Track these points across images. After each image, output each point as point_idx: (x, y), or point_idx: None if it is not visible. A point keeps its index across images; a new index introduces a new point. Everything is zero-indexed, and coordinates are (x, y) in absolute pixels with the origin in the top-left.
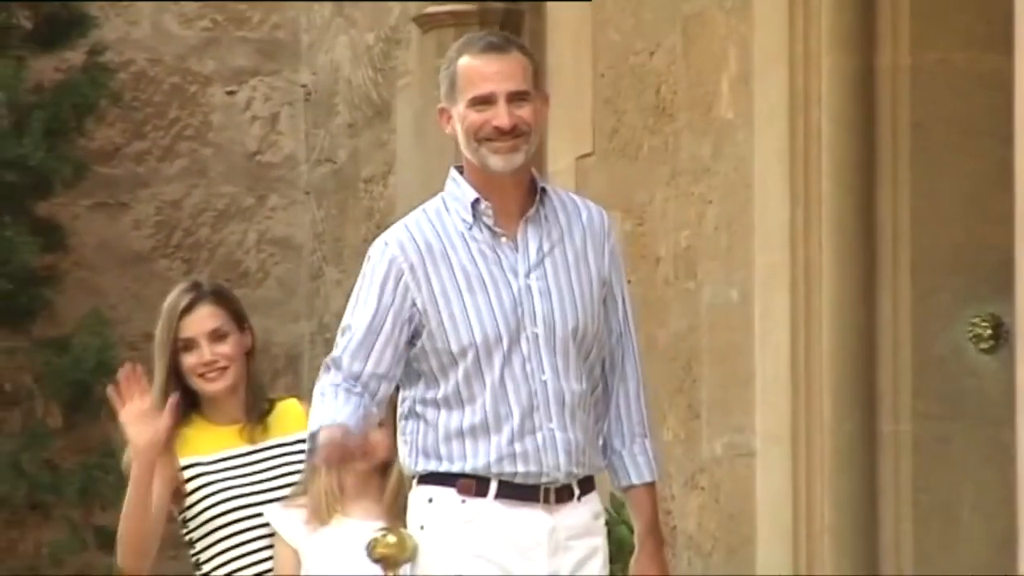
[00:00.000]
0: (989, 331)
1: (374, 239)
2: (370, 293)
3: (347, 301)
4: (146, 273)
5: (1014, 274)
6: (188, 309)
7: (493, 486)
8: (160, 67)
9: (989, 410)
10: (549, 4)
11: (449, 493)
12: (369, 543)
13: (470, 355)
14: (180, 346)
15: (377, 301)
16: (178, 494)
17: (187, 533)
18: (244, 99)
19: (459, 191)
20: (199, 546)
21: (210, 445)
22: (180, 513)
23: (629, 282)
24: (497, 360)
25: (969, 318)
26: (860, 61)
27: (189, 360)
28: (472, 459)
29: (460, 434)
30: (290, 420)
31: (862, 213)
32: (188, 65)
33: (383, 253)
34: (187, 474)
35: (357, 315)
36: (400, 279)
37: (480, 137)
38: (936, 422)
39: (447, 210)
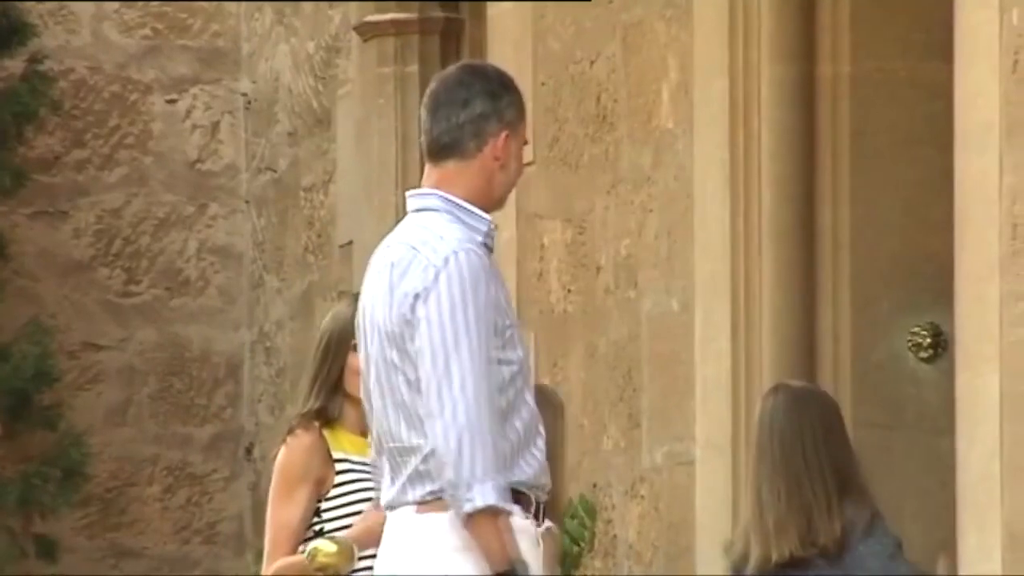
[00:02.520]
0: (928, 340)
1: (315, 248)
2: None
3: (287, 309)
4: (86, 282)
5: (953, 282)
6: None
7: (534, 500)
8: (100, 75)
9: (929, 419)
10: (489, 13)
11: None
12: (309, 552)
13: (525, 366)
14: (354, 344)
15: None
16: (322, 484)
17: (319, 523)
18: (184, 107)
19: (475, 216)
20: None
21: (352, 448)
22: (319, 502)
23: (569, 291)
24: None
25: (909, 327)
26: (800, 70)
27: (355, 362)
28: (525, 472)
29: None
30: None
31: (802, 222)
32: (128, 73)
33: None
34: (338, 467)
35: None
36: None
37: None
38: (876, 430)
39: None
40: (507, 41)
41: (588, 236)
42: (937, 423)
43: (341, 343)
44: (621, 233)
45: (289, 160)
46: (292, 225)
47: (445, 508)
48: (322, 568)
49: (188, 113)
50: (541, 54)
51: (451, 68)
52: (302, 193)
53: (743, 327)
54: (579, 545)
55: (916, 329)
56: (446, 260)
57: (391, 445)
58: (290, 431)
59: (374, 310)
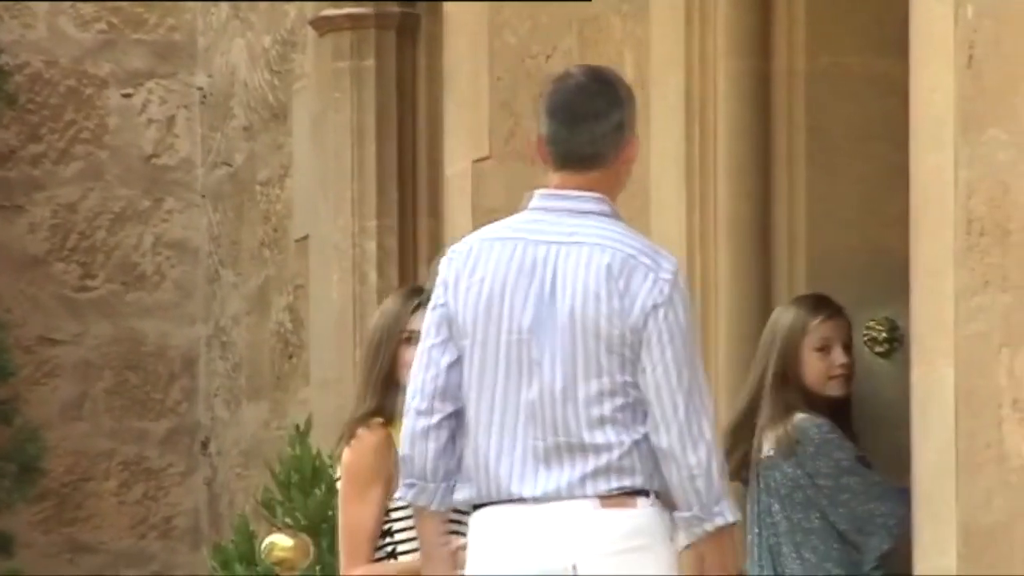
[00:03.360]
0: (884, 335)
1: (271, 242)
2: None
3: (243, 304)
4: (42, 276)
5: (909, 277)
6: (418, 307)
7: None
8: (56, 69)
9: (885, 413)
10: (446, 7)
11: None
12: (265, 546)
13: None
14: (404, 337)
15: None
16: (390, 483)
17: (388, 523)
18: (140, 102)
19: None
20: (399, 536)
21: None
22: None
23: None
24: None
25: (864, 322)
26: (756, 65)
27: (407, 355)
28: None
29: None
30: None
31: (758, 217)
32: (84, 67)
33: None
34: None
35: None
36: None
37: None
38: None
39: None
40: (463, 35)
41: None
42: (894, 417)
43: (391, 339)
44: None
45: (245, 154)
46: (248, 219)
47: (627, 504)
48: (279, 563)
49: (144, 107)
50: (497, 48)
51: (577, 76)
52: (258, 187)
53: (699, 323)
54: None
55: (872, 324)
56: (675, 276)
57: (559, 439)
58: (350, 434)
59: (554, 299)
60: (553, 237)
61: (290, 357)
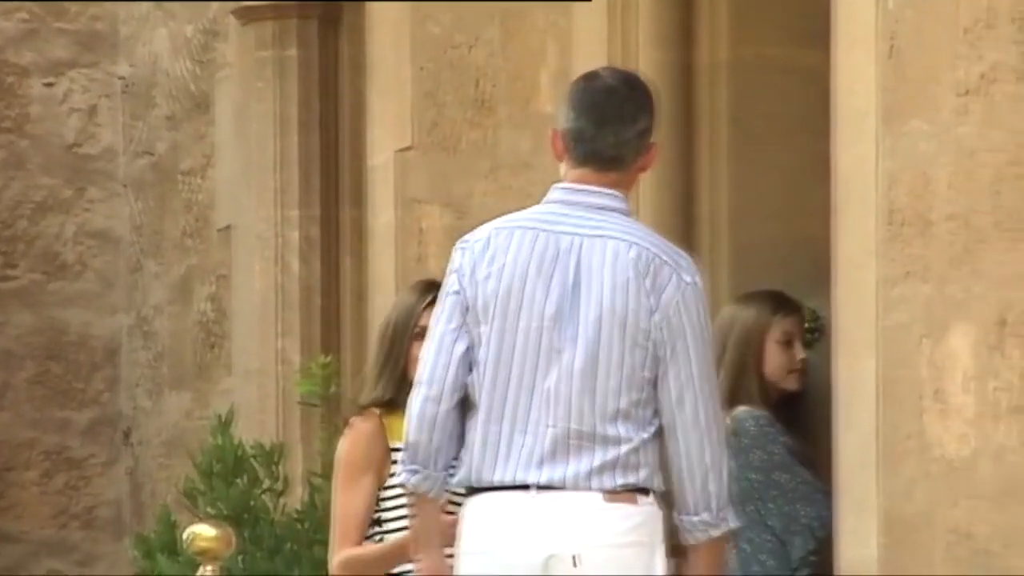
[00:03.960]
0: (807, 325)
1: (193, 232)
2: None
3: (166, 293)
4: None
5: (832, 268)
6: (432, 302)
7: None
8: None
9: (809, 404)
10: None
11: None
12: (188, 536)
13: None
14: (416, 333)
15: None
16: (381, 472)
17: (378, 512)
18: (62, 91)
19: None
20: (388, 526)
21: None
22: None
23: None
24: None
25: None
26: (678, 56)
27: (418, 350)
28: None
29: None
30: None
31: (680, 208)
32: (6, 56)
33: None
34: (395, 456)
35: None
36: None
37: None
38: None
39: None
40: (386, 26)
41: (467, 221)
42: (816, 408)
43: (404, 333)
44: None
45: (167, 144)
46: (170, 209)
47: (630, 500)
48: (201, 553)
49: (66, 96)
50: (420, 38)
51: (608, 78)
52: (180, 177)
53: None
54: None
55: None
56: (695, 278)
57: (572, 427)
58: (346, 422)
59: (577, 289)
60: (576, 229)
61: (212, 347)
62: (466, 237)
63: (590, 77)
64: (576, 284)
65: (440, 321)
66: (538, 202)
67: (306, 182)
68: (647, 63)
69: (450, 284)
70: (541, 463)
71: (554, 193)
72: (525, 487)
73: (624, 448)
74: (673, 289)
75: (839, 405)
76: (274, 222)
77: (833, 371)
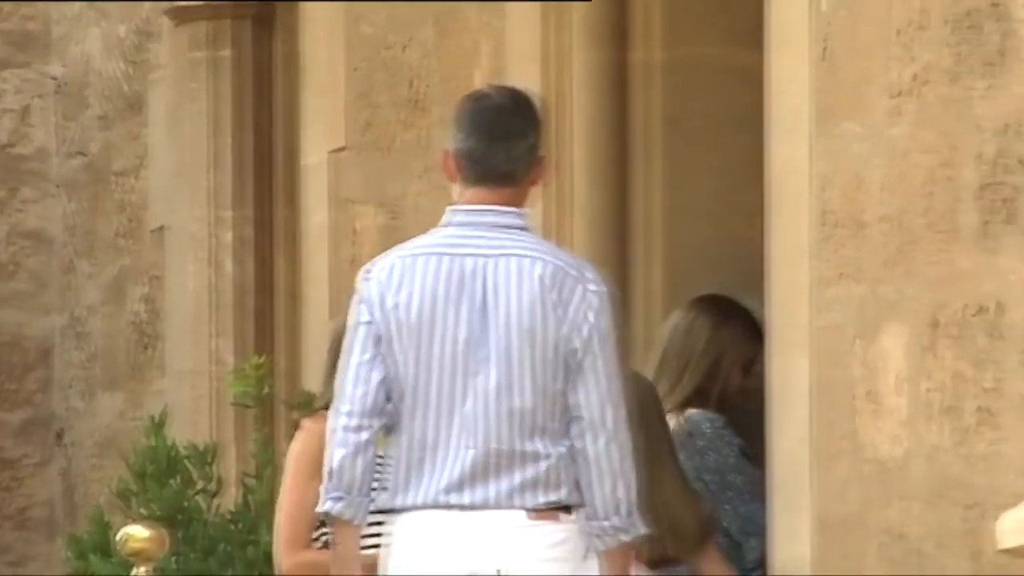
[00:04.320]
0: None
1: (127, 232)
2: None
3: (99, 294)
4: None
5: (765, 269)
6: None
7: None
8: None
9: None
10: None
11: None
12: (121, 537)
13: None
14: None
15: None
16: None
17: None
18: None
19: None
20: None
21: None
22: None
23: None
24: None
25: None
26: (612, 56)
27: None
28: None
29: None
30: None
31: (615, 208)
32: None
33: None
34: None
35: None
36: None
37: None
38: None
39: None
40: (320, 26)
41: (401, 221)
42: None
43: None
44: (434, 218)
45: (100, 144)
46: (104, 210)
47: (553, 518)
48: (135, 554)
49: None
50: (354, 38)
51: (495, 95)
52: (114, 178)
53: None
54: None
55: None
56: (599, 287)
57: (493, 447)
58: (297, 425)
59: (487, 310)
60: (480, 250)
61: (146, 348)
62: (368, 267)
63: (477, 97)
64: (485, 305)
65: (354, 352)
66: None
67: (240, 182)
68: (581, 63)
69: (360, 314)
70: (463, 485)
71: (453, 216)
72: (450, 507)
73: (543, 465)
74: (579, 300)
75: (773, 405)
76: (208, 222)
77: (767, 372)
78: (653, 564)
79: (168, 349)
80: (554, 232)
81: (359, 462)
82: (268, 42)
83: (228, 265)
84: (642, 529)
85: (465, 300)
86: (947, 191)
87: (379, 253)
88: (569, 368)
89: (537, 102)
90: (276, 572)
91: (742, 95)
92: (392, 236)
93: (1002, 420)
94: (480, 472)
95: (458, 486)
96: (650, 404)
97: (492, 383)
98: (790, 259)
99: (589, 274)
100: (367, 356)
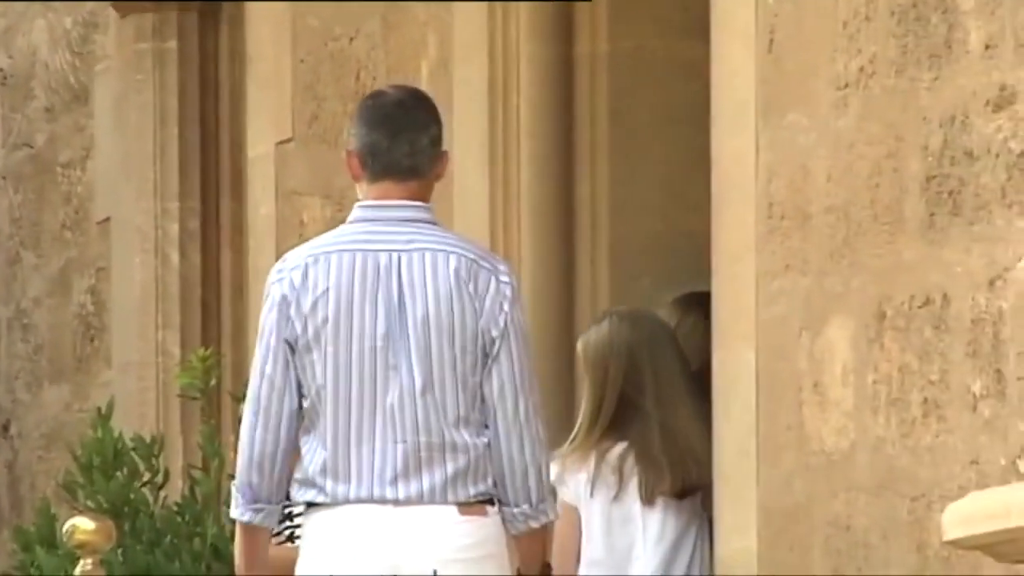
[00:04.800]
0: None
1: (72, 224)
2: None
3: (45, 286)
4: None
5: (711, 261)
6: None
7: None
8: None
9: None
10: None
11: None
12: (67, 529)
13: None
14: None
15: None
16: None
17: (287, 507)
18: None
19: None
20: (299, 520)
21: None
22: None
23: None
24: None
25: (667, 304)
26: (558, 49)
27: None
28: None
29: None
30: None
31: (561, 200)
32: None
33: None
34: None
35: None
36: None
37: None
38: None
39: None
40: (266, 18)
41: (347, 213)
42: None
43: None
44: None
45: (46, 136)
46: (49, 201)
47: (481, 512)
48: (81, 546)
49: None
50: (300, 30)
51: (393, 92)
52: (59, 169)
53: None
54: None
55: None
56: (511, 278)
57: (417, 439)
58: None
59: (402, 304)
60: (392, 245)
61: (92, 339)
62: (279, 267)
63: (376, 95)
64: (401, 299)
65: (268, 361)
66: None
67: (185, 174)
68: (527, 56)
69: (272, 319)
70: (395, 479)
71: (359, 212)
72: (383, 502)
73: (471, 455)
74: (495, 292)
75: (718, 397)
76: (154, 214)
77: (713, 363)
78: (677, 494)
79: (114, 341)
80: (500, 224)
81: (276, 472)
82: (214, 34)
83: (174, 257)
84: (552, 516)
85: (381, 295)
86: (893, 183)
87: None
88: (486, 358)
89: (434, 101)
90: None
91: (688, 87)
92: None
93: (947, 412)
94: (412, 465)
95: (390, 481)
96: (663, 342)
97: (413, 377)
98: (736, 251)
99: (501, 266)
100: (280, 365)
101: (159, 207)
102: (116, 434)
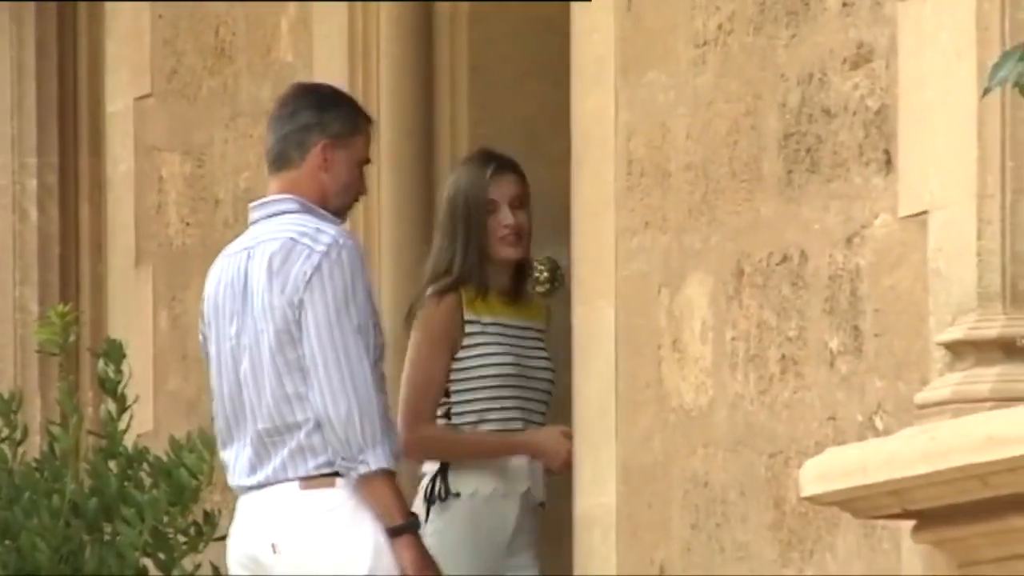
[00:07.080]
0: (546, 274)
1: None
2: None
3: None
4: None
5: (571, 218)
6: (497, 172)
7: None
8: None
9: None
10: None
11: None
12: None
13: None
14: (487, 207)
15: None
16: (455, 347)
17: (449, 383)
18: None
19: (327, 216)
20: (456, 397)
21: (484, 309)
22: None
23: (188, 224)
24: None
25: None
26: (418, 6)
27: (491, 223)
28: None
29: None
30: (538, 312)
31: (421, 156)
32: None
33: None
34: (467, 329)
35: None
36: None
37: None
38: None
39: None
40: None
41: (207, 169)
42: (556, 357)
43: (478, 208)
44: (240, 167)
45: None
46: None
47: (326, 484)
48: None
49: None
50: None
51: (285, 91)
52: None
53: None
54: (197, 479)
55: (534, 263)
56: (329, 247)
57: (261, 427)
58: (420, 300)
59: (247, 300)
60: (247, 244)
61: None
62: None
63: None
64: (244, 295)
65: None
66: None
67: (43, 130)
68: (387, 13)
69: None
70: (252, 468)
71: (248, 213)
72: (246, 491)
73: (303, 431)
74: (302, 262)
75: (578, 354)
76: (11, 169)
77: (572, 320)
78: None
79: None
80: None
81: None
82: None
83: (32, 213)
84: (373, 465)
85: (237, 297)
86: (751, 140)
87: (185, 201)
88: (301, 330)
89: (332, 93)
90: (396, 445)
91: (548, 44)
92: (198, 184)
93: (804, 369)
94: (263, 452)
95: (250, 470)
96: None
97: (251, 367)
98: (595, 208)
99: (323, 237)
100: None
101: (17, 162)
102: None
